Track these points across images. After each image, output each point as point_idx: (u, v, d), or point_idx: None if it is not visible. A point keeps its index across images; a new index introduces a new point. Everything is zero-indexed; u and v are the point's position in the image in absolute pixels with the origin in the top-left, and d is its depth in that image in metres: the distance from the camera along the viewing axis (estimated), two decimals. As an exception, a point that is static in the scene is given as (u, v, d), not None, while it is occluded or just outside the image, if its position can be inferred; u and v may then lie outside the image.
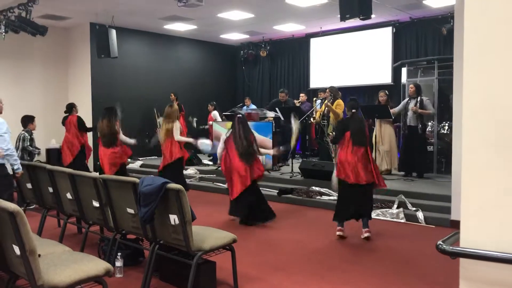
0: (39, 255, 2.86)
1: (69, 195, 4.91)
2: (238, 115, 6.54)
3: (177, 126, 7.05)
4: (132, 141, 7.28)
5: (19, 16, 7.74)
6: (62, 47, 11.73)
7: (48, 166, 5.22)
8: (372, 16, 7.14)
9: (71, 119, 8.79)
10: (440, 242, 2.07)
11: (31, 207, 6.23)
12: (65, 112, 8.95)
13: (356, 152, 5.34)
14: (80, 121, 8.80)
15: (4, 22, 7.59)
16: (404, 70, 9.97)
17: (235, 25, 11.64)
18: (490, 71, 2.01)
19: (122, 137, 7.11)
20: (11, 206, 2.75)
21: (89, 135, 9.58)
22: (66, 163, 8.53)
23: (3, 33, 7.64)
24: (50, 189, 5.20)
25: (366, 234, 5.46)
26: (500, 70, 1.99)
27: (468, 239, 2.04)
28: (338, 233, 5.50)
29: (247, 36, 13.41)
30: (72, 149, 8.72)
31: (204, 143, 7.43)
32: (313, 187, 7.78)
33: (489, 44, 2.01)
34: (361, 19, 6.84)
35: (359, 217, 5.52)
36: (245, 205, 6.19)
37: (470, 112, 2.07)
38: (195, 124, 11.76)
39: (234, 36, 13.29)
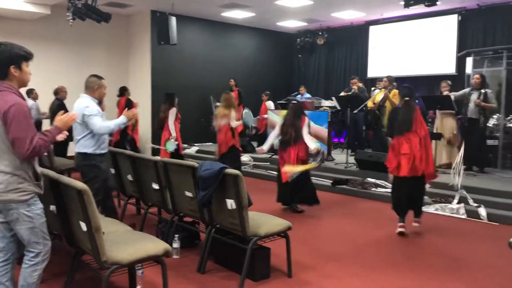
0: (103, 233, 2.98)
1: (130, 177, 5.09)
2: (293, 101, 6.53)
3: (233, 113, 7.09)
4: None
5: (85, 4, 8.07)
6: (124, 34, 12.09)
7: (111, 148, 5.42)
8: (438, 2, 6.87)
9: (120, 101, 9.23)
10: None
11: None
12: (118, 96, 9.36)
13: (407, 142, 5.06)
14: (127, 102, 9.10)
15: (72, 9, 7.92)
16: (469, 60, 9.50)
17: (293, 12, 11.50)
18: None
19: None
20: (79, 184, 2.89)
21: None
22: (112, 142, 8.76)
23: (71, 20, 7.97)
24: (112, 171, 5.40)
25: (414, 224, 5.31)
26: None
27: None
28: (399, 229, 5.25)
29: (305, 24, 13.22)
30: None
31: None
32: (369, 179, 7.62)
33: None
34: (426, 5, 6.63)
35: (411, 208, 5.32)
36: (287, 190, 6.21)
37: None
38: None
39: (291, 24, 13.15)
